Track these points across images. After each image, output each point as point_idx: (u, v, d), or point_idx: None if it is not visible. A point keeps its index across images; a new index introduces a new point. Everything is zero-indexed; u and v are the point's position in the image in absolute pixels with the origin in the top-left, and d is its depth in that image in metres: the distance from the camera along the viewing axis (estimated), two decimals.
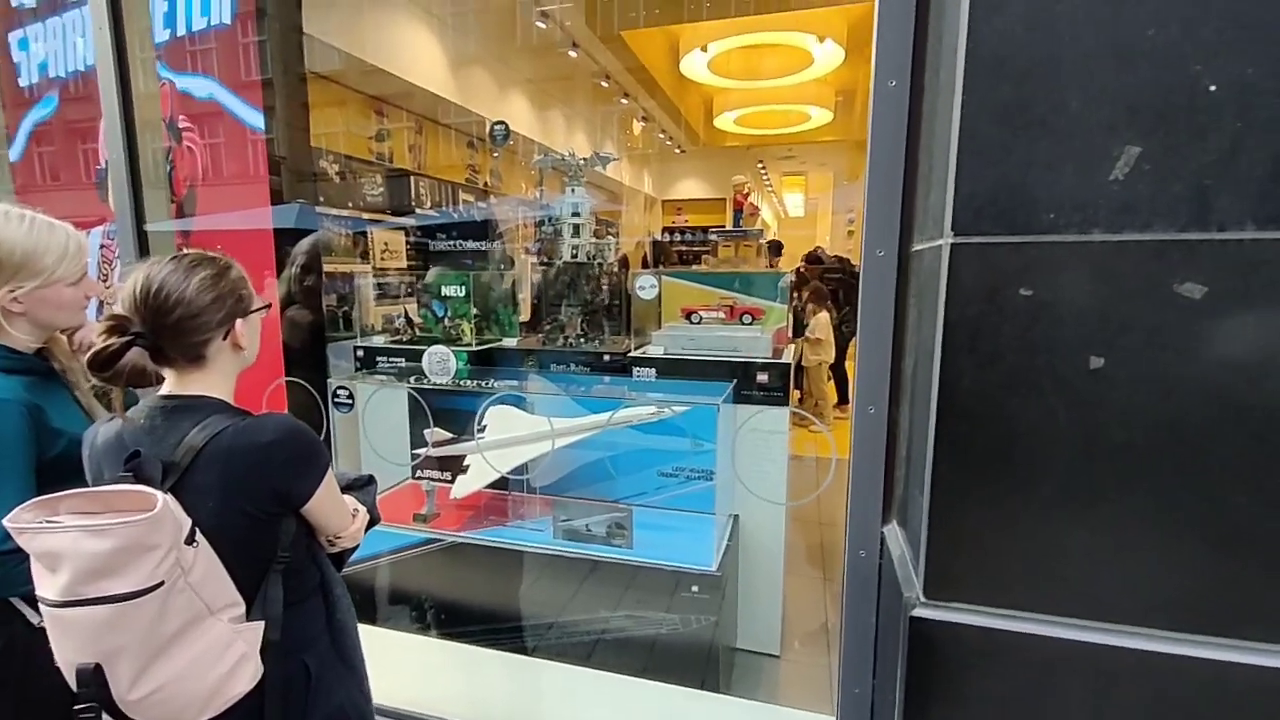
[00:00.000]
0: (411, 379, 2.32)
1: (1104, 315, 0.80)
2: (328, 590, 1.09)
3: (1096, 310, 0.80)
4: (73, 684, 0.84)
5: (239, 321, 0.97)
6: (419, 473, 2.31)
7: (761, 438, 2.06)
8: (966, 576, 0.90)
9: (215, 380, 0.97)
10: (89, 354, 0.87)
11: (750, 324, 2.31)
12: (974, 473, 0.89)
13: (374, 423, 2.36)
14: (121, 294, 0.93)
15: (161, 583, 0.82)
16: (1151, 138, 0.75)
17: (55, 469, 1.06)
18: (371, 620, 2.18)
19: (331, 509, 1.04)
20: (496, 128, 2.51)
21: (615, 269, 2.61)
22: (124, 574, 0.80)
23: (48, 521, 0.82)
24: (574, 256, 2.40)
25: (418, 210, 4.66)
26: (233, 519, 0.91)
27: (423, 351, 2.27)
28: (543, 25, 4.78)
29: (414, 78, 4.47)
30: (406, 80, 4.41)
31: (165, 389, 0.96)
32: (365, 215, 4.00)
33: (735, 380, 2.15)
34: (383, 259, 3.47)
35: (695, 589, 1.86)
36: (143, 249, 1.79)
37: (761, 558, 2.20)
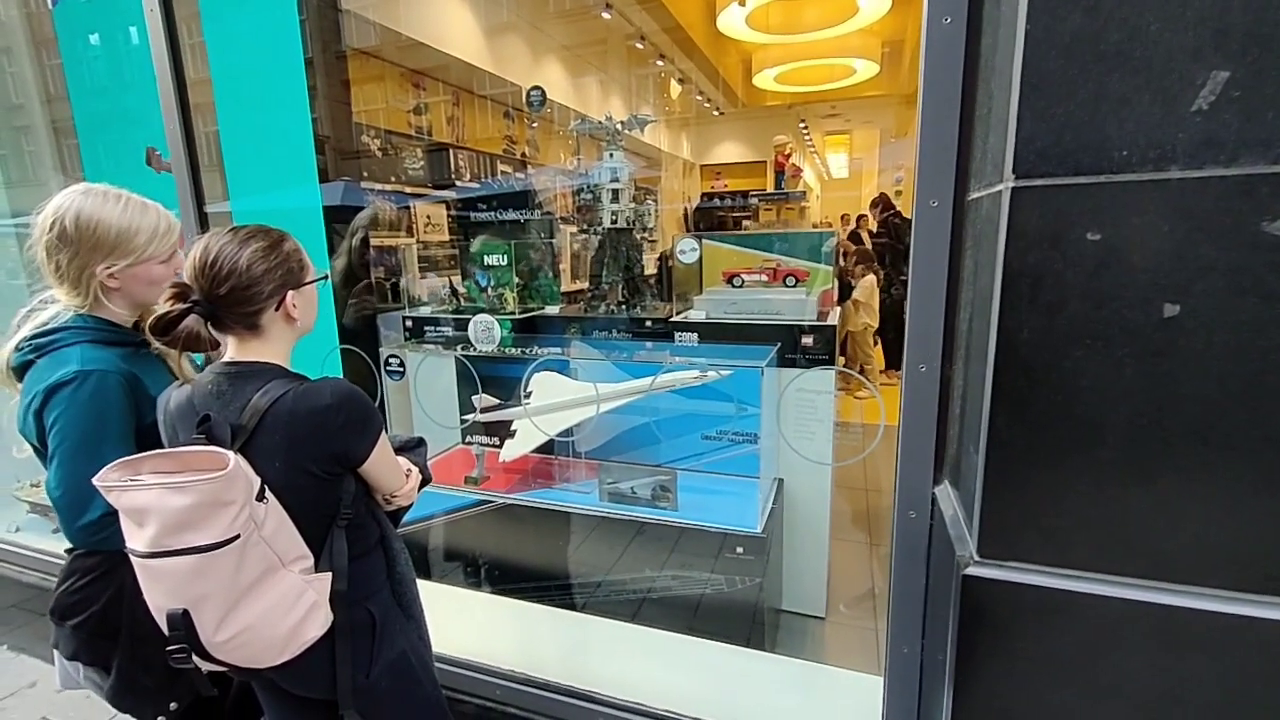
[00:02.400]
0: (458, 347, 2.37)
1: (1180, 259, 0.75)
2: (387, 545, 1.14)
3: (1172, 254, 0.75)
4: (164, 628, 0.91)
5: (291, 293, 1.01)
6: (468, 437, 2.38)
7: (807, 399, 2.03)
8: (1023, 535, 0.88)
9: (272, 348, 1.01)
10: (151, 318, 0.92)
11: (794, 286, 2.26)
12: (1033, 429, 0.86)
13: (424, 389, 2.44)
14: (186, 264, 0.98)
15: (238, 535, 0.88)
16: (1242, 61, 0.68)
17: (153, 433, 1.14)
18: (428, 576, 2.28)
19: (387, 469, 1.09)
20: (533, 93, 2.49)
21: (650, 239, 2.58)
22: (204, 527, 0.86)
23: (131, 480, 0.89)
24: (614, 222, 2.39)
25: (458, 183, 4.70)
26: (297, 478, 0.96)
27: (468, 321, 2.32)
28: None
29: (450, 49, 4.47)
30: (443, 51, 4.41)
31: (228, 355, 1.01)
32: (408, 190, 4.06)
33: (779, 344, 2.12)
34: (426, 232, 3.53)
35: (740, 550, 1.87)
36: (203, 229, 1.86)
37: (806, 521, 2.20)
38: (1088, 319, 0.81)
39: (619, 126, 2.35)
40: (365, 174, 3.69)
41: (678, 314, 2.32)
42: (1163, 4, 0.70)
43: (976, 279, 0.97)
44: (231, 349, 1.01)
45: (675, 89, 6.11)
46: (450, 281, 2.75)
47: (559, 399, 2.18)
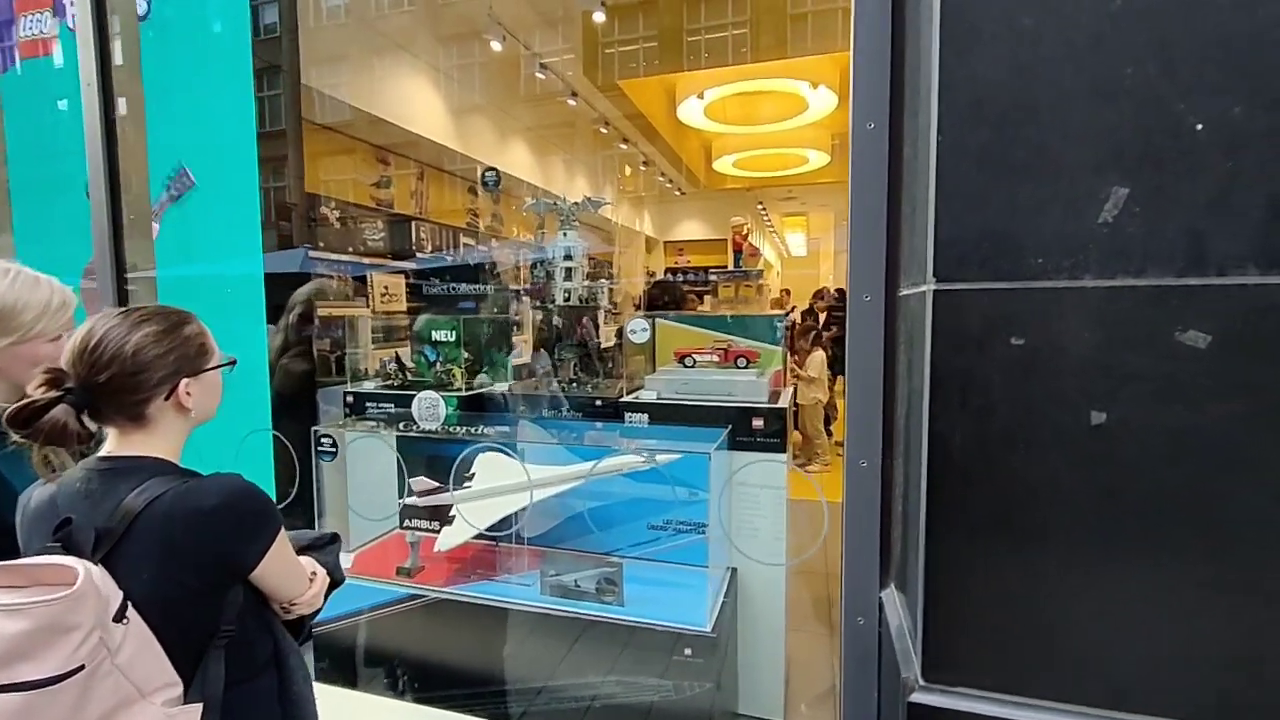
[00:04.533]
0: (401, 425, 2.26)
1: (1104, 366, 0.74)
2: (282, 662, 1.01)
3: (1095, 361, 0.74)
4: None
5: (185, 380, 0.92)
6: (407, 522, 2.23)
7: (753, 491, 1.98)
8: (968, 655, 0.82)
9: (159, 441, 0.92)
10: (12, 407, 0.82)
11: (746, 367, 2.25)
12: (972, 537, 0.82)
13: (361, 470, 2.30)
14: (66, 347, 0.89)
15: (82, 666, 0.75)
16: (1139, 178, 0.70)
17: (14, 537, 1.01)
18: (350, 684, 2.06)
19: (285, 574, 0.97)
20: (488, 174, 2.53)
21: (613, 310, 2.58)
22: (39, 657, 0.74)
23: None
24: (566, 299, 2.37)
25: (419, 254, 4.69)
26: (170, 591, 0.84)
27: (413, 397, 2.23)
28: (542, 76, 4.91)
29: (417, 127, 4.58)
30: (409, 130, 4.52)
31: (105, 449, 0.91)
32: (366, 260, 4.03)
33: (730, 426, 2.08)
34: (383, 302, 3.47)
35: (689, 652, 1.75)
36: (121, 300, 1.76)
37: (762, 614, 2.09)
38: (1019, 423, 0.79)
39: (573, 208, 2.39)
40: (320, 243, 3.64)
41: (629, 393, 2.28)
42: (1062, 123, 0.72)
43: (910, 376, 0.95)
44: (111, 441, 0.91)
45: (637, 170, 6.36)
46: (397, 355, 2.66)
47: (502, 482, 2.07)
